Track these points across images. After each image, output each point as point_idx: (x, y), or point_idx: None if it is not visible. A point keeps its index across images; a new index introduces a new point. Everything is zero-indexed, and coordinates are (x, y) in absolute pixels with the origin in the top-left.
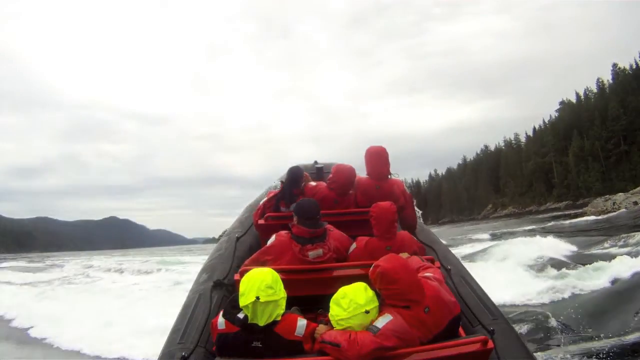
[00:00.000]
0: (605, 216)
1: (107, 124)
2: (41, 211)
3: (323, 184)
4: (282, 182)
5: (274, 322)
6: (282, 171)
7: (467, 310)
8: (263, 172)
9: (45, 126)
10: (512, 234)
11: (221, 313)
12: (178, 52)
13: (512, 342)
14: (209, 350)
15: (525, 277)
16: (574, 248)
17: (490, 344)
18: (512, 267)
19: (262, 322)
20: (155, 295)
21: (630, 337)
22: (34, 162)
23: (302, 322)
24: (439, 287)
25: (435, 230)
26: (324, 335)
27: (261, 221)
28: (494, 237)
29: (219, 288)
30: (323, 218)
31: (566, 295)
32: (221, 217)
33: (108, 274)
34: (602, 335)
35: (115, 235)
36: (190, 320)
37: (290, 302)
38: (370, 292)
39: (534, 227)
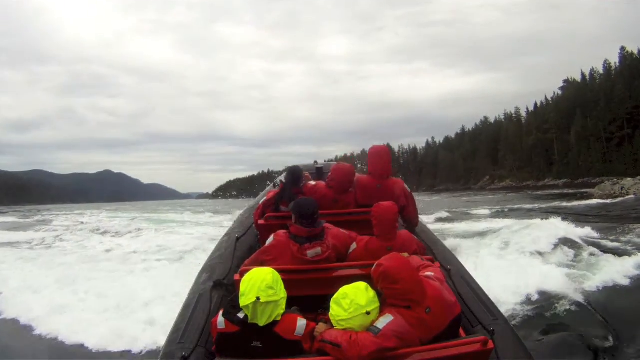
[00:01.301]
0: (614, 200)
1: (105, 78)
2: (36, 164)
3: (322, 183)
4: (282, 181)
5: (274, 322)
6: (280, 131)
7: (467, 310)
8: (261, 132)
9: (42, 80)
10: (515, 212)
11: (221, 313)
12: (180, 10)
13: (512, 343)
14: (209, 350)
15: (531, 265)
16: (586, 234)
17: (490, 344)
18: (516, 253)
19: (262, 322)
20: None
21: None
22: (30, 115)
23: (302, 322)
24: (441, 287)
25: (431, 199)
26: (324, 335)
27: (261, 221)
28: (496, 214)
29: (219, 288)
30: (323, 218)
31: (572, 288)
32: (216, 174)
33: (91, 238)
34: (609, 337)
35: (109, 189)
36: (190, 320)
37: (290, 302)
38: (372, 293)
39: (537, 206)
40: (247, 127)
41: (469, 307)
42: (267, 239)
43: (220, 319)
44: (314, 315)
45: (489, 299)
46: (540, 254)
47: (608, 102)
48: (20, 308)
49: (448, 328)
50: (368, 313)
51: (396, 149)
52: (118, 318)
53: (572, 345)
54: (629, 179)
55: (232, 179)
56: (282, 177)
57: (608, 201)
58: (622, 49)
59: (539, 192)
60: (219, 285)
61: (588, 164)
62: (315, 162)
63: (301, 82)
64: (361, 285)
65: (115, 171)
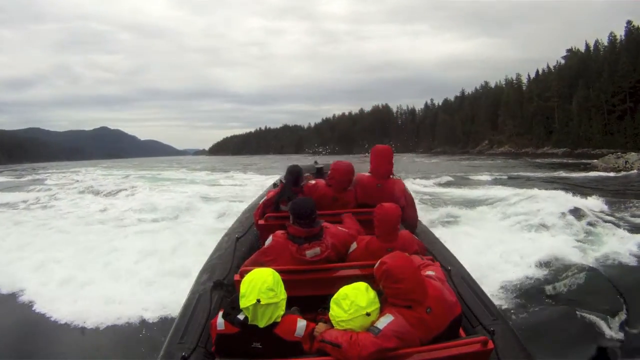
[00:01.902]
0: (618, 174)
1: (102, 35)
2: (32, 122)
3: (322, 181)
4: (282, 181)
5: (274, 324)
6: (278, 89)
7: (467, 310)
8: (258, 89)
9: (38, 38)
10: (518, 180)
11: (220, 314)
12: None
13: (512, 343)
14: (209, 350)
15: (534, 237)
16: (593, 206)
17: (490, 345)
18: (519, 224)
19: (262, 324)
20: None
21: None
22: (25, 73)
23: (302, 323)
24: (442, 286)
25: (430, 161)
26: (324, 335)
27: (261, 221)
28: (498, 182)
29: (218, 288)
30: (322, 218)
31: (577, 262)
32: (213, 130)
33: (84, 198)
34: (613, 324)
35: (106, 146)
36: (190, 320)
37: (290, 302)
38: (372, 294)
39: (540, 175)
40: (244, 84)
41: (469, 307)
42: (267, 239)
43: (220, 320)
44: (314, 315)
45: (489, 299)
46: (544, 225)
47: (611, 74)
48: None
49: (448, 328)
50: (368, 314)
51: (394, 110)
52: (110, 281)
53: (576, 345)
54: (633, 153)
55: (228, 135)
56: (282, 177)
57: (611, 174)
58: (629, 22)
59: (538, 160)
60: (218, 285)
61: (588, 135)
62: (316, 162)
63: (300, 40)
64: (361, 285)
65: (112, 128)
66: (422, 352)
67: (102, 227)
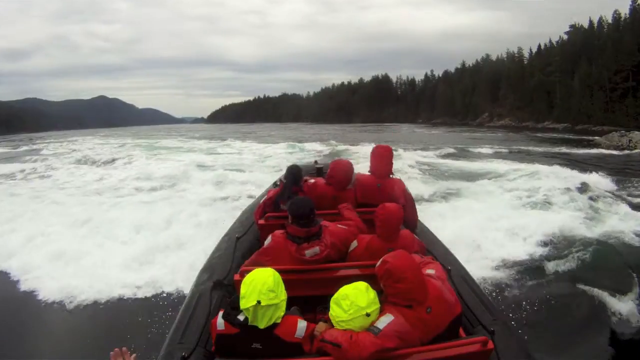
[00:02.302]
0: (621, 152)
1: (99, 4)
2: (30, 92)
3: (321, 179)
4: (282, 180)
5: (274, 325)
6: (277, 58)
7: (467, 310)
8: (257, 57)
9: (34, 8)
10: (520, 155)
11: (220, 314)
12: None
13: (513, 343)
14: (209, 350)
15: (538, 212)
16: (597, 183)
17: (490, 345)
18: (523, 199)
19: (262, 325)
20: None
21: None
22: (22, 44)
23: (302, 325)
24: (442, 286)
25: (430, 132)
26: (324, 334)
27: (261, 221)
28: (501, 156)
29: (218, 288)
30: (321, 217)
31: (580, 238)
32: (212, 98)
33: (80, 167)
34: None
35: (104, 115)
36: (190, 320)
37: (290, 302)
38: (372, 294)
39: (542, 149)
40: (243, 53)
41: (469, 307)
42: (267, 239)
43: (220, 320)
44: (313, 315)
45: (489, 299)
46: (548, 202)
47: (615, 52)
48: None
49: (448, 328)
50: (368, 315)
51: (394, 80)
52: (102, 256)
53: (578, 346)
54: (637, 132)
55: (227, 103)
56: (281, 177)
57: (615, 152)
58: (634, 1)
59: (539, 134)
60: (218, 285)
61: (589, 112)
62: (315, 161)
63: (300, 9)
64: (362, 285)
65: (110, 97)
66: (422, 352)
67: (98, 199)
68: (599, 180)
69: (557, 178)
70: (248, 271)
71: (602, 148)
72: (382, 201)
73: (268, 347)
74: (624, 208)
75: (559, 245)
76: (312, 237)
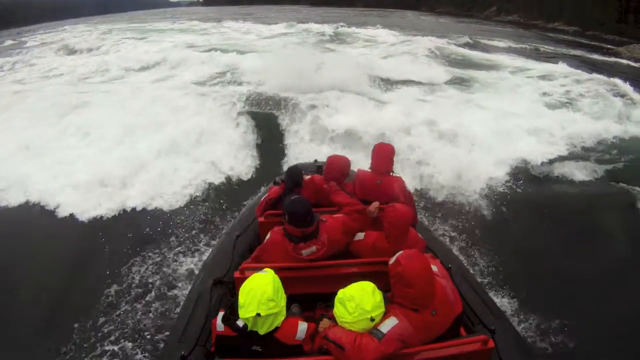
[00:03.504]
0: None
1: None
2: None
3: (318, 176)
4: (282, 180)
5: (275, 328)
6: None
7: (468, 309)
8: None
9: None
10: (538, 54)
11: (220, 317)
12: None
13: (513, 342)
14: (209, 349)
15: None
16: (628, 91)
17: (491, 343)
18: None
19: (262, 331)
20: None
21: None
22: None
23: (302, 327)
24: (446, 284)
25: (437, 20)
26: (327, 332)
27: (261, 219)
28: (519, 52)
29: (218, 286)
30: (320, 212)
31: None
32: None
33: (68, 56)
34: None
35: (97, 1)
36: (190, 319)
37: (290, 299)
38: (378, 297)
39: (561, 50)
40: None
41: (470, 305)
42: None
43: (219, 323)
44: (313, 312)
45: (490, 298)
46: (571, 103)
47: None
48: None
49: (450, 328)
50: (372, 319)
51: None
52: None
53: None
54: None
55: None
56: (282, 177)
57: (636, 65)
58: None
59: (550, 34)
60: (218, 283)
61: (602, 19)
62: (315, 160)
63: None
64: (368, 287)
65: None
66: (423, 351)
67: (74, 88)
68: (625, 86)
69: (579, 80)
70: (248, 269)
71: (623, 58)
72: (381, 198)
73: (268, 350)
74: None
75: (578, 148)
76: (309, 236)
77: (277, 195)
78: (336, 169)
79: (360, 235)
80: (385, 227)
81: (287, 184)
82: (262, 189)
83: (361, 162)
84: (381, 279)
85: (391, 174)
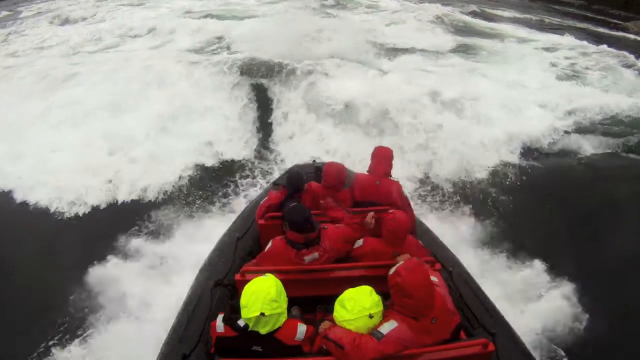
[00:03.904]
0: None
1: None
2: None
3: (315, 184)
4: (283, 186)
5: (276, 329)
6: None
7: (469, 312)
8: None
9: None
10: (544, 25)
11: (220, 317)
12: None
13: (514, 345)
14: (209, 350)
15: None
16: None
17: (491, 347)
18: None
19: (263, 332)
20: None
21: None
22: None
23: (302, 328)
24: (445, 294)
25: None
26: (328, 331)
27: (261, 221)
28: (524, 23)
29: (219, 287)
30: (318, 218)
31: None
32: None
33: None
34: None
35: None
36: (190, 319)
37: (291, 302)
38: (376, 297)
39: (567, 23)
40: None
41: (470, 309)
42: (267, 239)
43: (219, 323)
44: (313, 315)
45: (490, 301)
46: (578, 75)
47: None
48: None
49: (450, 334)
50: (371, 316)
51: None
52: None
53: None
54: None
55: None
56: (282, 181)
57: None
58: None
59: (556, 7)
60: (219, 284)
61: None
62: (314, 160)
63: None
64: (366, 289)
65: None
66: (423, 353)
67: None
68: (636, 61)
69: (585, 51)
70: (249, 271)
71: (631, 33)
72: (380, 199)
73: (268, 350)
74: None
75: (583, 121)
76: (311, 242)
77: (277, 201)
78: (333, 175)
79: (359, 242)
80: (384, 234)
81: (288, 190)
82: (260, 191)
83: (360, 142)
84: (381, 282)
85: (389, 177)
